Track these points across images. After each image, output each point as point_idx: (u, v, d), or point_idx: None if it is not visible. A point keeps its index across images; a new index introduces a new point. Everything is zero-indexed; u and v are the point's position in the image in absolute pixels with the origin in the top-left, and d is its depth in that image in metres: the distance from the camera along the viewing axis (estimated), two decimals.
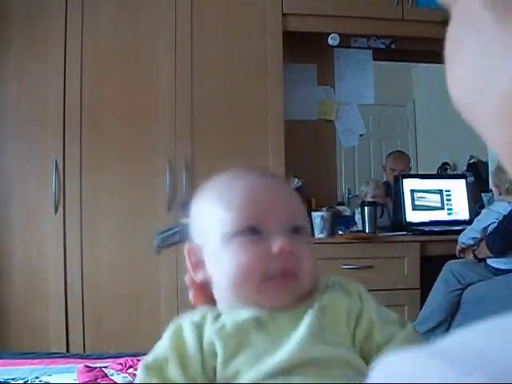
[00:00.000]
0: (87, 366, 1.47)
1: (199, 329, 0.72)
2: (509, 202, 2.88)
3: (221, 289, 0.76)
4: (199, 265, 0.79)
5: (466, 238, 2.97)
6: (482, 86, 0.32)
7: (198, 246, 0.79)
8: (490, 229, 2.86)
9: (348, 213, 3.48)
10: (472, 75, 0.32)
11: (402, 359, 0.27)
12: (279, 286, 0.73)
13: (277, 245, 0.73)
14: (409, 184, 3.37)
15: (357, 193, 3.65)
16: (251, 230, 0.74)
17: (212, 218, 0.77)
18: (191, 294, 0.81)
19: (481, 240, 2.90)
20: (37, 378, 1.52)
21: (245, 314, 0.72)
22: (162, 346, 0.72)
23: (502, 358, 0.24)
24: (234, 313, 0.73)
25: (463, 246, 2.98)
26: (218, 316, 0.73)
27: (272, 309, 0.72)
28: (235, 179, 0.79)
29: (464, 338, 0.27)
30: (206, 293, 0.79)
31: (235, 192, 0.77)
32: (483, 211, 3.00)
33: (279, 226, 0.75)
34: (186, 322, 0.73)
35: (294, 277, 0.74)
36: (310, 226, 0.81)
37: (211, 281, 0.78)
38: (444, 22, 0.35)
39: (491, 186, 3.12)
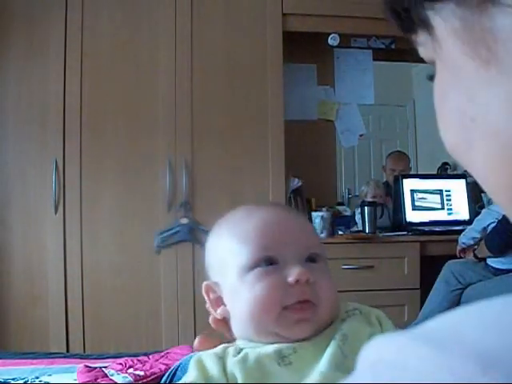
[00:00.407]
0: (87, 366, 1.47)
1: (222, 360, 0.72)
2: None
3: (240, 322, 0.76)
4: (218, 301, 0.79)
5: (466, 238, 2.97)
6: (472, 131, 0.33)
7: (215, 282, 0.80)
8: (489, 228, 2.86)
9: (348, 213, 3.48)
10: (461, 121, 0.33)
11: (387, 345, 0.27)
12: (298, 317, 0.72)
13: (293, 274, 0.72)
14: (409, 184, 3.37)
15: (357, 193, 3.65)
16: (267, 261, 0.74)
17: (227, 253, 0.78)
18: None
19: (481, 240, 2.90)
20: (37, 378, 1.52)
21: (266, 347, 0.71)
22: (190, 377, 0.72)
23: (486, 340, 0.24)
24: (255, 347, 0.72)
25: (463, 246, 2.98)
26: (239, 350, 0.73)
27: (293, 341, 0.72)
28: (248, 213, 0.80)
29: (447, 321, 0.27)
30: (226, 329, 0.80)
31: (249, 225, 0.77)
32: (483, 211, 3.00)
33: (295, 255, 0.75)
34: (206, 355, 0.73)
35: (312, 306, 0.73)
36: (327, 255, 0.82)
37: (230, 316, 0.78)
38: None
39: None
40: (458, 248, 2.99)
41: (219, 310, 0.79)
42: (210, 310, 0.80)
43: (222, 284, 0.78)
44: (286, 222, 0.79)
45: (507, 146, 0.31)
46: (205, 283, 0.81)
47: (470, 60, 0.32)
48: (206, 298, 0.80)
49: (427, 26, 0.35)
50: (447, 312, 0.27)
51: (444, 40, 0.34)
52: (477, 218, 2.99)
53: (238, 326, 0.76)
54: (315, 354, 0.70)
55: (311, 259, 0.76)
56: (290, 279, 0.72)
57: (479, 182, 0.34)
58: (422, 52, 0.36)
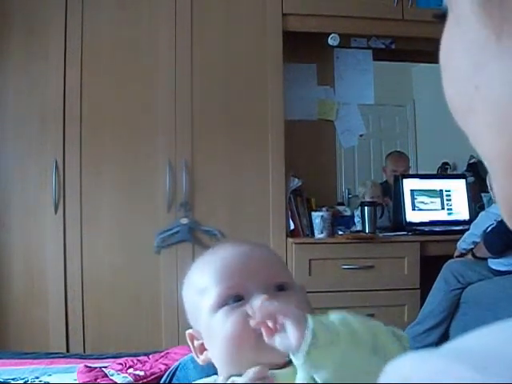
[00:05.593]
0: (87, 366, 1.47)
1: None
2: None
3: (221, 361, 0.77)
4: (201, 348, 0.81)
5: (465, 243, 2.95)
6: (474, 97, 0.32)
7: (196, 330, 0.82)
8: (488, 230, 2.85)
9: (348, 213, 3.48)
10: (465, 86, 0.33)
11: (417, 362, 0.26)
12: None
13: (254, 304, 0.73)
14: (409, 184, 3.37)
15: (357, 193, 3.65)
16: (233, 299, 0.76)
17: (196, 297, 0.80)
18: None
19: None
20: (37, 378, 1.52)
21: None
22: None
23: None
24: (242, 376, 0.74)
25: (463, 251, 2.96)
26: (228, 378, 0.75)
27: (272, 366, 0.73)
28: (211, 255, 0.82)
29: (477, 340, 0.27)
30: None
31: (211, 268, 0.79)
32: (480, 214, 2.98)
33: (260, 287, 0.76)
34: None
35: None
36: (294, 279, 0.82)
37: (211, 359, 0.80)
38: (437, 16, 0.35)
39: (489, 188, 3.10)
40: (456, 253, 2.98)
41: (202, 356, 0.81)
42: (195, 357, 0.82)
43: (199, 329, 0.80)
44: (247, 256, 0.81)
45: (507, 118, 0.30)
46: (187, 332, 0.83)
47: (482, 25, 0.31)
48: (190, 345, 0.83)
49: None
50: (482, 329, 0.27)
51: None
52: (474, 222, 2.97)
53: (220, 365, 0.78)
54: (290, 375, 0.72)
55: (280, 288, 0.78)
56: (250, 312, 0.74)
57: (474, 145, 0.34)
58: None
